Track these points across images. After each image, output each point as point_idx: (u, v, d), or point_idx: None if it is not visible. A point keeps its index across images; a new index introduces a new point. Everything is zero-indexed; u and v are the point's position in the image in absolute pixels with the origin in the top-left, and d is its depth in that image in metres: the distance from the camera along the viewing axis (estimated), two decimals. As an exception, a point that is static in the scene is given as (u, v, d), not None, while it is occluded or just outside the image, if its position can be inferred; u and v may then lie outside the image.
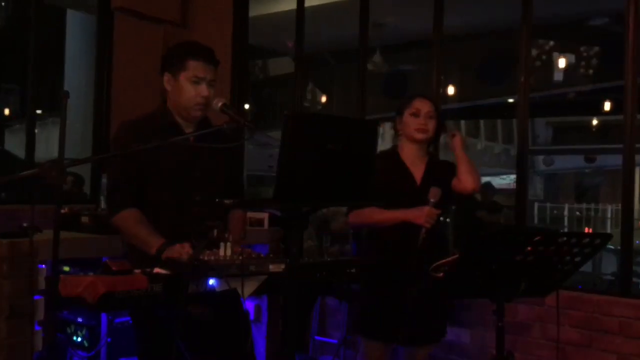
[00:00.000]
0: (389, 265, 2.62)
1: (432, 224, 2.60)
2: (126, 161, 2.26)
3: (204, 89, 2.28)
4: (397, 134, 2.82)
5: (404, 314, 2.59)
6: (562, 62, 9.31)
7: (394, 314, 2.60)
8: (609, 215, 18.76)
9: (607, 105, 10.92)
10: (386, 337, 2.68)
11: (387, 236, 2.68)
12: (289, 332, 1.81)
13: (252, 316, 3.24)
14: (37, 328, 2.41)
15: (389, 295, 2.63)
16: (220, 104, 2.25)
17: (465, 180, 2.70)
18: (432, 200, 2.62)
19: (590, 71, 9.65)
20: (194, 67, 2.28)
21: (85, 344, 3.01)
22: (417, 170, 2.77)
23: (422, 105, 2.75)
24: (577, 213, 18.95)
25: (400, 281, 2.61)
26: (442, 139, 3.00)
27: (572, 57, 9.59)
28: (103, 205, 2.97)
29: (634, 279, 3.79)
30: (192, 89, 2.28)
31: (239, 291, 1.93)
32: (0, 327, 2.39)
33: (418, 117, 2.73)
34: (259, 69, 12.23)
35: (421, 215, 2.59)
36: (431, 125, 2.76)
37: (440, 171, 2.81)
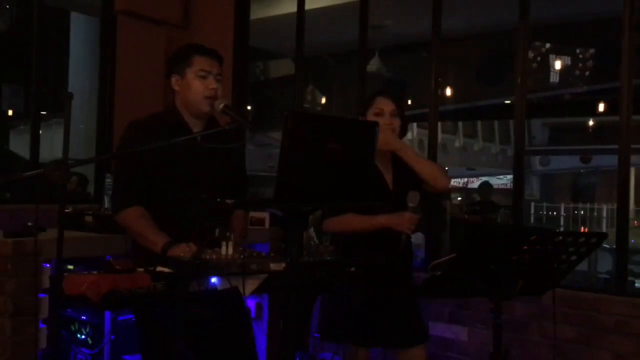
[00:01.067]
0: (370, 270, 2.51)
1: (413, 230, 2.56)
2: (132, 160, 2.28)
3: (211, 82, 2.32)
4: None
5: (388, 317, 2.59)
6: (558, 64, 9.35)
7: (380, 318, 2.58)
8: (604, 214, 18.80)
9: (603, 107, 10.96)
10: (374, 342, 2.64)
11: (365, 241, 2.60)
12: (289, 330, 1.83)
13: (253, 314, 3.27)
14: (42, 326, 2.43)
15: (374, 300, 2.59)
16: (221, 105, 2.29)
17: (434, 183, 2.62)
18: (411, 205, 2.55)
19: (586, 73, 9.69)
20: (199, 61, 2.32)
21: (89, 341, 3.03)
22: (387, 173, 2.69)
23: (385, 105, 2.65)
24: (575, 212, 18.98)
25: (382, 286, 2.59)
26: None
27: (568, 59, 9.62)
28: (107, 204, 2.99)
29: (629, 278, 3.83)
30: (200, 84, 2.31)
31: (240, 289, 1.96)
32: (5, 325, 2.41)
33: (382, 116, 2.63)
34: (260, 71, 12.26)
35: (402, 221, 2.54)
36: (396, 123, 2.66)
37: (408, 172, 2.72)
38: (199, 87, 2.32)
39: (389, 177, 2.69)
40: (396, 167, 2.71)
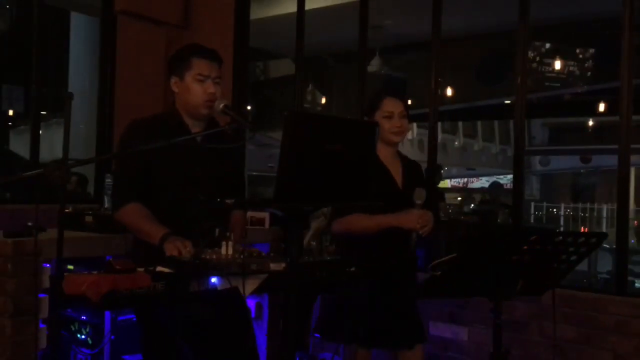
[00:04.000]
0: (377, 270, 2.52)
1: (424, 227, 2.52)
2: (132, 159, 2.29)
3: (210, 86, 2.32)
4: None
5: (390, 317, 2.58)
6: (558, 64, 9.36)
7: (382, 318, 2.58)
8: (604, 214, 18.82)
9: (603, 107, 10.97)
10: (375, 343, 2.63)
11: (374, 241, 2.56)
12: (289, 329, 1.84)
13: (253, 314, 3.27)
14: (42, 326, 2.44)
15: (376, 301, 2.57)
16: (221, 106, 2.29)
17: None
18: (418, 202, 2.53)
19: (587, 73, 9.70)
20: (198, 65, 2.32)
21: (89, 341, 3.03)
22: (396, 173, 2.68)
23: (394, 106, 2.63)
24: (571, 212, 19.00)
25: (393, 285, 2.59)
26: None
27: (568, 59, 9.64)
28: (107, 204, 2.99)
29: (629, 278, 3.83)
30: (198, 87, 2.32)
31: (240, 289, 1.96)
32: (5, 325, 2.41)
33: (392, 119, 2.62)
34: (260, 71, 12.27)
35: (412, 219, 2.50)
36: (405, 124, 2.65)
37: (415, 172, 2.75)
38: (198, 91, 2.32)
39: (398, 178, 2.69)
40: (405, 167, 2.72)
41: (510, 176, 12.46)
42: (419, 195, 2.54)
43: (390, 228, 2.54)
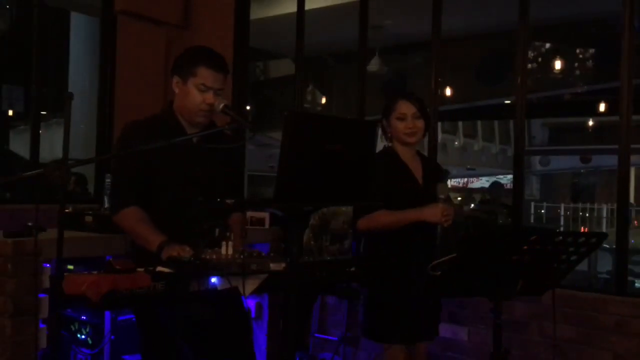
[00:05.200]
0: (407, 265, 2.60)
1: (449, 221, 2.59)
2: (130, 161, 2.29)
3: (209, 97, 2.31)
4: (387, 138, 2.79)
5: (421, 313, 2.66)
6: (558, 64, 9.36)
7: (415, 314, 2.64)
8: (604, 214, 18.82)
9: (603, 107, 10.98)
10: (411, 339, 2.69)
11: (400, 236, 2.63)
12: (289, 329, 1.84)
13: (253, 314, 3.27)
14: (42, 326, 2.44)
15: (410, 296, 2.62)
16: (221, 105, 2.29)
17: None
18: (441, 196, 2.60)
19: (587, 73, 9.70)
20: (204, 75, 2.31)
21: (89, 341, 3.03)
22: (417, 170, 2.78)
23: (407, 108, 2.72)
24: (570, 212, 19.01)
25: (419, 281, 2.59)
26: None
27: (568, 59, 9.63)
28: (107, 204, 2.99)
29: (629, 278, 3.83)
30: (198, 96, 2.31)
31: (240, 289, 1.96)
32: (5, 325, 2.41)
33: (405, 120, 2.71)
34: (260, 71, 12.27)
35: (436, 213, 2.57)
36: (420, 125, 2.73)
37: (434, 170, 2.85)
38: (197, 99, 2.32)
39: (418, 174, 2.77)
40: (425, 165, 2.81)
41: (510, 176, 12.46)
42: (442, 190, 2.63)
43: (416, 222, 2.60)
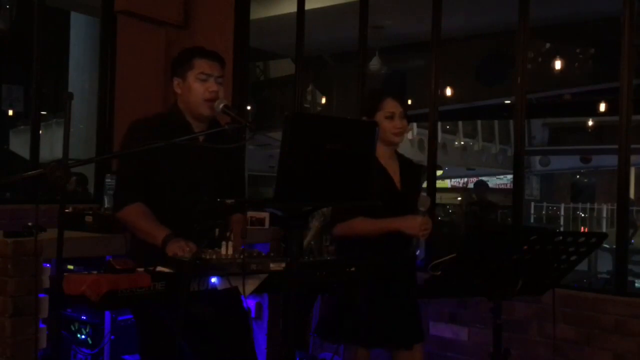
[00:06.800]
0: (374, 271, 2.47)
1: (426, 235, 2.54)
2: (134, 159, 2.29)
3: (212, 85, 2.33)
4: None
5: (390, 317, 2.59)
6: (558, 64, 9.37)
7: (382, 318, 2.59)
8: (604, 214, 18.82)
9: (603, 107, 10.98)
10: (375, 343, 2.64)
11: (373, 244, 2.56)
12: (289, 329, 1.84)
13: (253, 314, 3.27)
14: (42, 326, 2.44)
15: (375, 301, 2.58)
16: (222, 105, 2.29)
17: None
18: (422, 209, 2.54)
19: (588, 73, 9.71)
20: (200, 64, 2.33)
21: (89, 341, 3.04)
22: (394, 174, 2.68)
23: (396, 107, 2.63)
24: (569, 212, 19.00)
25: (392, 286, 2.59)
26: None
27: (568, 59, 9.64)
28: (107, 204, 2.99)
29: (629, 278, 3.84)
30: (200, 86, 2.33)
31: (240, 289, 1.96)
32: (5, 325, 2.41)
33: (393, 120, 2.62)
34: (260, 71, 12.28)
35: (415, 226, 2.51)
36: (406, 125, 2.66)
37: (413, 172, 2.74)
38: (200, 90, 2.33)
39: (397, 178, 2.69)
40: (402, 166, 2.73)
41: (510, 176, 12.47)
42: (423, 203, 2.55)
43: (392, 232, 2.54)
